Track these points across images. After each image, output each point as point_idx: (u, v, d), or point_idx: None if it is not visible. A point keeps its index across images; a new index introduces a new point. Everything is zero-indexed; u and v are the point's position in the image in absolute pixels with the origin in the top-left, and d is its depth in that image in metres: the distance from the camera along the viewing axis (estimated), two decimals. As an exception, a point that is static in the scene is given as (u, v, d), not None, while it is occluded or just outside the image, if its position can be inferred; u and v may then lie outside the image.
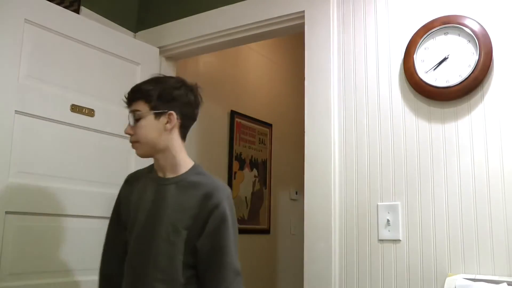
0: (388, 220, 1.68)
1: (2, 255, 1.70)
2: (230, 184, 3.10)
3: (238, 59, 3.33)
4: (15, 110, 1.79)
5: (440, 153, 1.63)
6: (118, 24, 2.41)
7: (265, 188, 3.46)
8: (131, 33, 2.50)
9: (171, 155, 1.50)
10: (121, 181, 1.64)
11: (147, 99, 1.47)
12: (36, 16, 1.89)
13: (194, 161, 1.55)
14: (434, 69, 1.65)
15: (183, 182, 1.49)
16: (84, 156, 2.01)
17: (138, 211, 1.51)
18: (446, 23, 1.65)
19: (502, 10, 1.60)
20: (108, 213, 1.97)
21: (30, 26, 1.86)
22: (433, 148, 1.64)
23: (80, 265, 1.94)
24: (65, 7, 2.07)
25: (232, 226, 1.44)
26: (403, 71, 1.73)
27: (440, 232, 1.58)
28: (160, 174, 1.53)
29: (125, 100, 1.51)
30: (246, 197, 3.26)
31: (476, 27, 1.60)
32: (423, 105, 1.69)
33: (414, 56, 1.68)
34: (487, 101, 1.58)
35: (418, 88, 1.68)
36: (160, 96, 1.47)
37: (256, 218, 3.34)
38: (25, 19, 1.84)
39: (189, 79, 3.04)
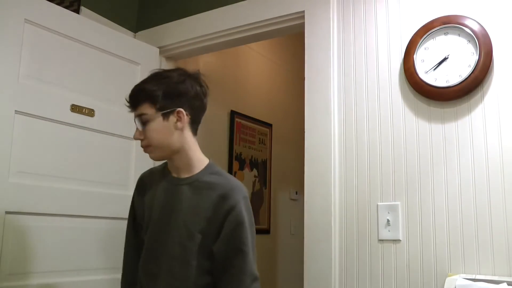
0: (388, 220, 1.68)
1: (2, 255, 1.70)
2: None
3: (238, 59, 3.33)
4: (15, 110, 1.79)
5: (440, 153, 1.63)
6: (118, 24, 2.41)
7: (265, 188, 3.46)
8: (131, 33, 2.50)
9: (186, 154, 1.43)
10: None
11: (152, 100, 1.38)
12: (36, 16, 1.89)
13: (208, 158, 1.50)
14: (434, 69, 1.65)
15: (198, 183, 1.42)
16: (84, 156, 2.01)
17: (152, 213, 1.46)
18: (446, 23, 1.65)
19: (502, 10, 1.60)
20: (108, 212, 1.98)
21: (30, 26, 1.86)
22: (433, 148, 1.64)
23: (81, 265, 1.94)
24: (65, 7, 2.07)
25: (249, 228, 1.39)
26: (403, 71, 1.73)
27: (440, 232, 1.58)
28: (174, 174, 1.47)
29: (128, 103, 1.43)
30: (246, 197, 3.25)
31: (476, 27, 1.60)
32: (423, 105, 1.69)
33: (414, 56, 1.68)
34: (487, 101, 1.58)
35: (418, 88, 1.68)
36: (165, 94, 1.39)
37: (256, 218, 3.30)
38: (25, 19, 1.84)
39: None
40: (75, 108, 1.99)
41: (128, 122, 1.48)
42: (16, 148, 1.78)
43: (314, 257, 1.79)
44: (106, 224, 2.03)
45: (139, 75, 2.20)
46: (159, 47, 2.40)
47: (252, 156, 3.35)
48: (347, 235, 1.76)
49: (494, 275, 1.47)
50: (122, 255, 1.58)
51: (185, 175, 1.45)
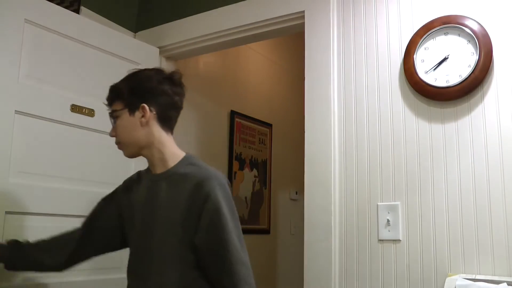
0: (388, 220, 1.68)
1: (3, 255, 1.70)
2: (230, 184, 3.10)
3: (238, 59, 3.33)
4: (15, 110, 1.79)
5: (440, 153, 1.63)
6: (118, 24, 2.41)
7: (265, 188, 3.46)
8: (131, 33, 2.50)
9: (158, 150, 1.44)
10: (121, 181, 1.64)
11: (121, 97, 1.44)
12: (36, 16, 1.88)
13: (187, 152, 1.49)
14: (434, 69, 1.65)
15: (174, 176, 1.41)
16: (84, 156, 2.01)
17: (134, 213, 1.47)
18: (446, 23, 1.65)
19: (502, 10, 1.60)
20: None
21: (30, 26, 1.86)
22: (433, 148, 1.64)
23: (80, 265, 1.94)
24: (65, 7, 2.07)
25: (230, 215, 1.34)
26: (403, 71, 1.73)
27: (440, 232, 1.58)
28: (153, 172, 1.47)
29: (106, 103, 1.48)
30: (246, 197, 3.26)
31: (476, 27, 1.60)
32: (423, 105, 1.69)
33: (414, 56, 1.68)
34: (487, 101, 1.58)
35: (418, 88, 1.68)
36: (131, 91, 1.43)
37: (256, 218, 3.34)
38: (25, 19, 1.84)
39: (189, 79, 3.04)
40: (75, 108, 1.99)
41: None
42: (16, 148, 1.78)
43: (314, 257, 1.79)
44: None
45: (139, 75, 2.19)
46: (159, 47, 2.40)
47: (252, 156, 3.35)
48: (347, 235, 1.76)
49: (494, 275, 1.47)
50: (120, 255, 1.58)
51: (161, 171, 1.45)
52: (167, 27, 2.41)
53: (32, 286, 1.79)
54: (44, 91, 1.89)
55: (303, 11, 1.99)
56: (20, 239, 1.59)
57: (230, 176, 3.12)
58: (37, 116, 1.86)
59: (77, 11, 2.17)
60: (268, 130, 3.54)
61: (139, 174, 1.58)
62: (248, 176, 3.30)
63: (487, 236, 1.51)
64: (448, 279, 1.49)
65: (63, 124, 1.94)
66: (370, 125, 1.78)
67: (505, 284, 1.38)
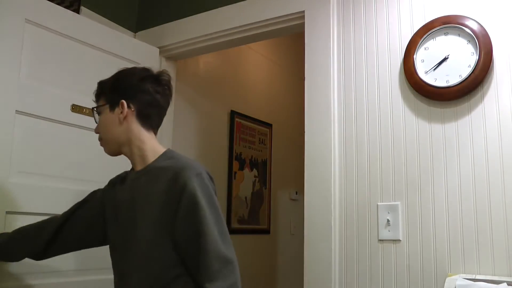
0: (388, 220, 1.68)
1: (3, 255, 1.69)
2: (230, 184, 3.11)
3: (238, 59, 3.33)
4: (16, 110, 1.79)
5: (440, 153, 1.63)
6: (118, 24, 2.41)
7: (265, 188, 3.46)
8: (131, 33, 2.50)
9: (137, 147, 1.42)
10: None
11: (103, 93, 1.45)
12: (37, 16, 1.88)
13: (168, 147, 1.48)
14: (434, 69, 1.66)
15: (153, 170, 1.38)
16: (84, 156, 2.01)
17: (117, 213, 1.45)
18: (446, 23, 1.65)
19: (502, 10, 1.60)
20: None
21: (31, 26, 1.86)
22: (433, 148, 1.65)
23: (80, 265, 1.94)
24: (65, 7, 2.07)
25: (208, 206, 1.28)
26: (403, 71, 1.73)
27: (440, 232, 1.59)
28: (134, 169, 1.46)
29: (94, 99, 1.50)
30: (246, 197, 3.26)
31: (476, 27, 1.60)
32: (423, 105, 1.69)
33: (414, 56, 1.69)
34: (487, 101, 1.58)
35: (418, 88, 1.68)
36: (112, 87, 1.43)
37: (256, 218, 3.34)
38: (25, 19, 1.84)
39: (189, 79, 3.05)
40: (76, 108, 1.99)
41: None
42: (17, 148, 1.78)
43: (314, 257, 1.79)
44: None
45: (139, 75, 2.19)
46: (159, 47, 2.40)
47: (252, 156, 3.35)
48: (347, 235, 1.76)
49: (494, 275, 1.48)
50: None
51: (141, 167, 1.43)
52: (167, 27, 2.41)
53: (32, 286, 1.78)
54: (44, 91, 1.89)
55: (303, 11, 1.99)
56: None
57: (230, 176, 3.12)
58: (38, 116, 1.86)
59: (77, 11, 2.17)
60: (268, 130, 3.54)
61: (126, 173, 1.56)
62: (248, 176, 3.30)
63: (487, 236, 1.51)
64: (448, 279, 1.49)
65: (63, 124, 1.95)
66: (370, 125, 1.78)
67: (505, 284, 1.38)
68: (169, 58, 2.48)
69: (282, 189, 3.63)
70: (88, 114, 2.03)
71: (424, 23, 1.71)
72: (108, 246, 1.51)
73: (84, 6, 2.22)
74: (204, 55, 2.82)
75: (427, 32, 1.68)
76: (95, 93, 1.49)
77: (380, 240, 1.69)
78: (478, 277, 1.47)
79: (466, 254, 1.54)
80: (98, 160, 2.06)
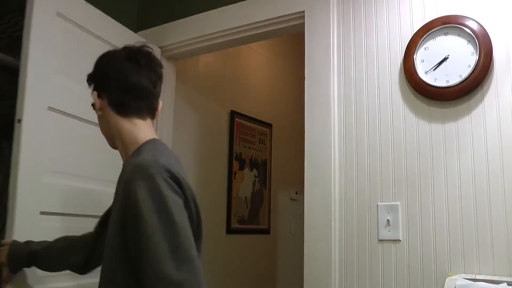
0: (388, 220, 1.68)
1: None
2: (230, 184, 3.10)
3: (238, 59, 3.33)
4: (48, 107, 1.72)
5: (440, 153, 1.63)
6: (119, 23, 2.41)
7: (265, 188, 3.46)
8: (132, 33, 2.50)
9: (118, 139, 1.29)
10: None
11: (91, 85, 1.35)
12: (67, 10, 1.83)
13: (153, 138, 1.28)
14: (434, 69, 1.66)
15: (124, 171, 1.21)
16: (116, 157, 1.97)
17: None
18: (446, 23, 1.65)
19: (502, 10, 1.60)
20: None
21: (61, 20, 1.79)
22: (433, 148, 1.65)
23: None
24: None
25: (154, 216, 1.04)
26: (403, 71, 1.73)
27: (440, 232, 1.59)
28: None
29: None
30: (246, 197, 3.26)
31: (476, 27, 1.60)
32: (423, 105, 1.69)
33: (414, 56, 1.69)
34: (487, 101, 1.58)
35: (418, 88, 1.68)
36: (92, 77, 1.33)
37: (256, 218, 3.34)
38: (57, 12, 1.78)
39: (189, 79, 3.05)
40: None
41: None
42: (49, 147, 1.71)
43: (314, 257, 1.79)
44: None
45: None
46: (160, 47, 2.40)
47: (252, 156, 3.35)
48: (347, 235, 1.76)
49: (494, 275, 1.48)
50: None
51: (124, 162, 1.29)
52: (167, 27, 2.41)
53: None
54: (73, 88, 1.83)
55: (303, 11, 1.99)
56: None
57: (230, 176, 3.13)
58: (68, 114, 1.80)
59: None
60: (268, 130, 3.54)
61: None
62: (248, 176, 3.30)
63: (487, 236, 1.51)
64: (448, 279, 1.49)
65: (91, 124, 1.85)
66: (370, 125, 1.78)
67: (505, 284, 1.38)
68: (169, 58, 2.48)
69: (282, 189, 3.63)
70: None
71: (424, 23, 1.71)
72: None
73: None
74: (204, 55, 2.82)
75: (427, 32, 1.68)
76: None
77: (380, 240, 1.69)
78: (478, 277, 1.47)
79: (466, 254, 1.53)
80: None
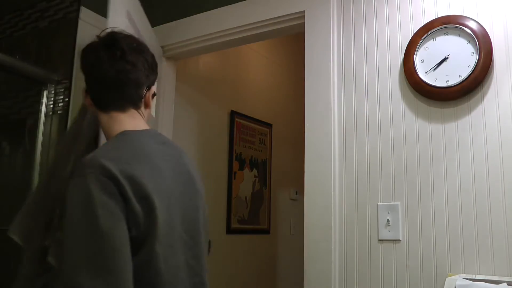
0: (388, 220, 1.68)
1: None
2: (230, 184, 3.10)
3: (238, 59, 3.33)
4: None
5: (440, 153, 1.63)
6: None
7: (265, 188, 3.46)
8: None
9: (103, 134, 1.25)
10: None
11: None
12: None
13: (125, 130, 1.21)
14: (434, 69, 1.65)
15: None
16: None
17: None
18: (446, 23, 1.65)
19: (502, 10, 1.60)
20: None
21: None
22: (433, 148, 1.64)
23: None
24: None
25: (75, 220, 0.97)
26: (403, 71, 1.73)
27: (440, 232, 1.58)
28: None
29: None
30: (246, 197, 3.26)
31: (476, 27, 1.60)
32: (423, 105, 1.69)
33: (414, 56, 1.69)
34: (487, 101, 1.58)
35: (418, 88, 1.68)
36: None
37: (256, 218, 3.34)
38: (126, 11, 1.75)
39: (189, 79, 3.04)
40: None
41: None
42: None
43: (314, 257, 1.79)
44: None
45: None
46: (160, 47, 2.40)
47: (252, 156, 3.35)
48: (347, 235, 1.76)
49: (494, 275, 1.48)
50: None
51: None
52: (167, 27, 2.41)
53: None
54: None
55: (303, 11, 1.99)
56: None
57: (230, 176, 3.12)
58: None
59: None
60: (268, 130, 3.54)
61: None
62: (248, 176, 3.30)
63: (487, 236, 1.51)
64: (448, 279, 1.49)
65: None
66: (370, 125, 1.78)
67: (505, 284, 1.38)
68: (169, 58, 2.48)
69: (282, 189, 3.63)
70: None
71: (424, 23, 1.71)
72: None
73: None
74: (204, 55, 2.82)
75: (427, 32, 1.68)
76: None
77: (380, 240, 1.69)
78: (478, 277, 1.47)
79: (466, 254, 1.53)
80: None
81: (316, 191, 1.83)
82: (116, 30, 1.24)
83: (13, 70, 2.07)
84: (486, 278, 1.44)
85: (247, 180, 3.27)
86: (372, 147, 1.76)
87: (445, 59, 1.64)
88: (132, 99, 1.23)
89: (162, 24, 2.44)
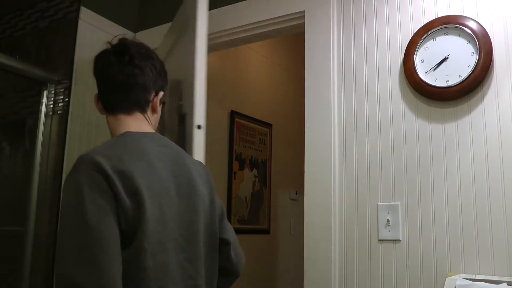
0: (388, 220, 1.68)
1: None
2: (230, 184, 3.10)
3: (238, 59, 3.33)
4: None
5: (440, 153, 1.63)
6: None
7: (265, 188, 3.46)
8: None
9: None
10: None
11: None
12: None
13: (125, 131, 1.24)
14: (434, 69, 1.65)
15: None
16: None
17: None
18: (446, 23, 1.65)
19: (502, 10, 1.60)
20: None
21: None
22: (433, 148, 1.64)
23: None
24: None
25: (66, 212, 1.04)
26: (403, 71, 1.73)
27: (440, 232, 1.58)
28: None
29: None
30: (246, 197, 3.26)
31: (476, 27, 1.60)
32: (423, 105, 1.69)
33: (414, 56, 1.69)
34: (487, 101, 1.58)
35: (418, 88, 1.68)
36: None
37: (256, 218, 3.34)
38: None
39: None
40: None
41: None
42: None
43: (314, 257, 1.79)
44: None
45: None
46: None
47: (252, 156, 3.35)
48: (347, 235, 1.76)
49: (494, 275, 1.48)
50: None
51: None
52: (167, 27, 2.41)
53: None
54: None
55: (303, 11, 1.99)
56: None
57: (230, 176, 3.13)
58: None
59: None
60: (268, 130, 3.54)
61: None
62: (248, 176, 3.30)
63: (487, 236, 1.51)
64: (448, 279, 1.49)
65: None
66: (370, 125, 1.78)
67: (505, 284, 1.38)
68: (169, 58, 2.48)
69: (282, 189, 3.63)
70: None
71: (424, 23, 1.71)
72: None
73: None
74: (204, 55, 2.81)
75: (427, 32, 1.68)
76: None
77: (380, 240, 1.69)
78: (478, 277, 1.47)
79: (466, 254, 1.53)
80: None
81: (316, 191, 1.83)
82: (127, 37, 1.30)
83: (13, 70, 2.07)
84: (486, 278, 1.44)
85: (247, 180, 3.28)
86: (372, 147, 1.76)
87: (445, 59, 1.64)
88: (139, 102, 1.27)
89: (162, 24, 2.43)
